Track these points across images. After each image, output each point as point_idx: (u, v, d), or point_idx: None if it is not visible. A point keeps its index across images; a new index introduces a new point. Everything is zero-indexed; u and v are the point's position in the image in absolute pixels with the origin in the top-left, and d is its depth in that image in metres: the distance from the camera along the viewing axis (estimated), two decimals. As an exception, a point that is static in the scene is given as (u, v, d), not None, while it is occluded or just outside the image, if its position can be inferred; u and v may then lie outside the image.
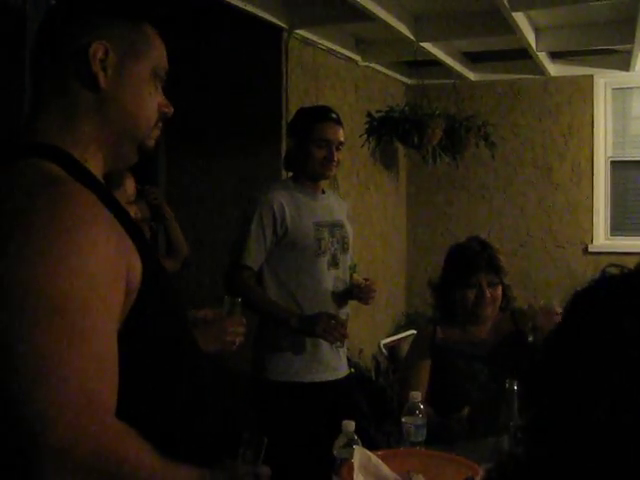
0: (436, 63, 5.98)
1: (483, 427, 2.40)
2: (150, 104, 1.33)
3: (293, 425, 2.94)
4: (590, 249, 6.54)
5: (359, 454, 1.75)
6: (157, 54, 1.34)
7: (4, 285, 1.04)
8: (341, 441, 1.96)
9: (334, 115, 3.20)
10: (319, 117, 3.17)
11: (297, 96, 4.94)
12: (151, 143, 1.37)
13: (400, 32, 4.84)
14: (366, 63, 5.92)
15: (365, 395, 4.44)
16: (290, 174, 3.28)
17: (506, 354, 2.76)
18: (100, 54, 1.24)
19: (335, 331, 2.87)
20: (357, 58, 5.80)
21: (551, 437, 0.94)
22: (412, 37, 5.01)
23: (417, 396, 2.25)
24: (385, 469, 1.80)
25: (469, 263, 2.89)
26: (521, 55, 6.01)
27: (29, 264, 1.05)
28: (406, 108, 5.62)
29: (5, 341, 1.02)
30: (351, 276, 3.18)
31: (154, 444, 1.12)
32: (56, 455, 1.01)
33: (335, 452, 1.93)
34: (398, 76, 6.68)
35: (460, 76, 6.50)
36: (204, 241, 4.80)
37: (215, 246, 4.67)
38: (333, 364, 3.10)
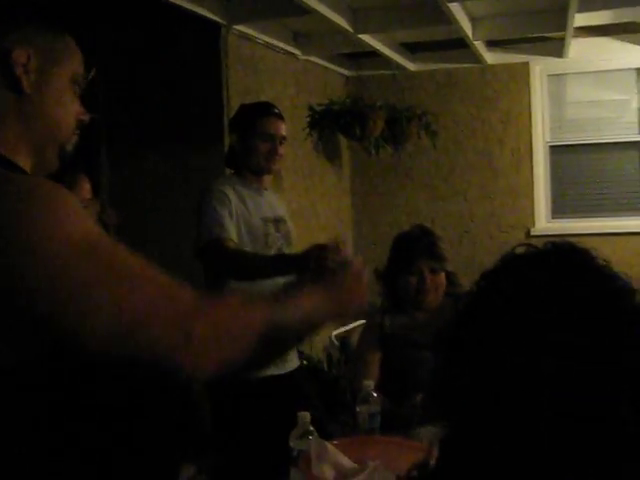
0: (375, 54, 6.02)
1: (435, 413, 2.44)
2: (70, 109, 1.38)
3: (249, 421, 2.95)
4: (532, 233, 6.66)
5: (316, 444, 1.78)
6: (75, 62, 1.39)
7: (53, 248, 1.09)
8: (297, 432, 1.98)
9: (276, 110, 3.26)
10: (262, 112, 3.22)
11: (238, 92, 4.93)
12: (70, 148, 1.41)
13: (338, 25, 4.86)
14: (306, 57, 5.94)
15: (318, 386, 4.47)
16: (231, 172, 3.30)
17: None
18: (23, 59, 1.29)
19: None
20: (296, 52, 5.82)
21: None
22: (350, 29, 5.04)
23: (370, 384, 2.29)
24: (342, 458, 1.83)
25: (409, 250, 2.96)
26: (458, 44, 6.09)
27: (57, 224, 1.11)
28: (347, 100, 5.67)
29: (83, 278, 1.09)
30: None
31: None
32: (195, 359, 1.11)
33: (292, 444, 1.96)
34: (338, 68, 6.70)
35: (399, 67, 6.55)
36: (153, 240, 4.77)
37: (165, 246, 4.65)
38: (286, 357, 3.11)
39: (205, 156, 4.73)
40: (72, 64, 1.38)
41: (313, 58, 6.11)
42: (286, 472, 1.90)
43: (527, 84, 6.68)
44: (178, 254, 3.28)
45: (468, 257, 6.51)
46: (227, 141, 4.73)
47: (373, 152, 6.02)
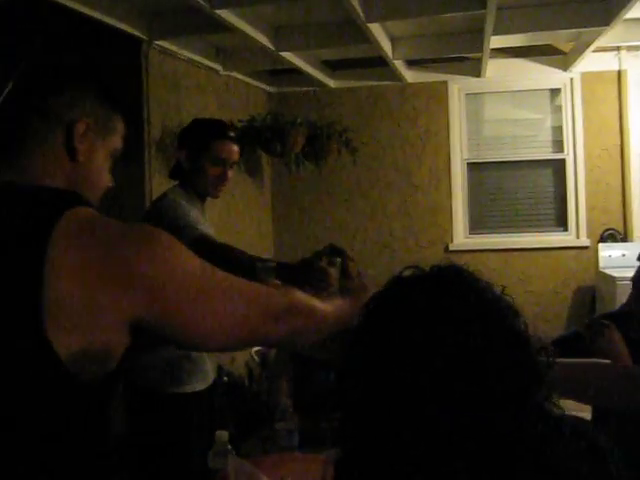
0: (297, 71, 6.07)
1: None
2: (105, 177, 1.56)
3: (166, 438, 2.90)
4: (450, 248, 6.81)
5: (234, 463, 1.79)
6: (119, 138, 1.56)
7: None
8: (215, 451, 1.99)
9: (232, 133, 3.14)
10: (218, 134, 3.08)
11: (159, 108, 4.91)
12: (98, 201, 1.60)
13: (260, 42, 4.90)
14: (227, 72, 5.95)
15: (239, 402, 4.47)
16: (176, 183, 3.15)
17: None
18: (82, 130, 1.44)
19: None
20: (218, 68, 5.82)
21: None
22: (272, 47, 5.08)
23: (287, 402, 2.31)
24: (261, 477, 1.84)
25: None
26: (378, 63, 6.19)
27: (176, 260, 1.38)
28: (268, 117, 5.69)
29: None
30: None
31: None
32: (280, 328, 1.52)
33: (210, 464, 1.97)
34: (260, 84, 6.74)
35: (320, 84, 6.62)
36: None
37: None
38: (207, 371, 3.07)
39: (124, 175, 4.68)
40: (116, 140, 1.55)
41: (235, 74, 6.12)
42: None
43: (446, 102, 6.84)
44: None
45: (388, 271, 6.52)
46: (147, 158, 4.72)
47: (294, 168, 6.06)
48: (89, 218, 1.33)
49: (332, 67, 6.69)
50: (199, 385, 2.99)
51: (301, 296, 1.63)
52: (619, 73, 6.56)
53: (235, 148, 3.11)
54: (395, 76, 6.50)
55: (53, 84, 1.48)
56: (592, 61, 6.31)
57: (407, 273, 1.08)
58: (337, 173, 6.93)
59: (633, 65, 6.50)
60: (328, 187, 7.01)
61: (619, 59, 6.50)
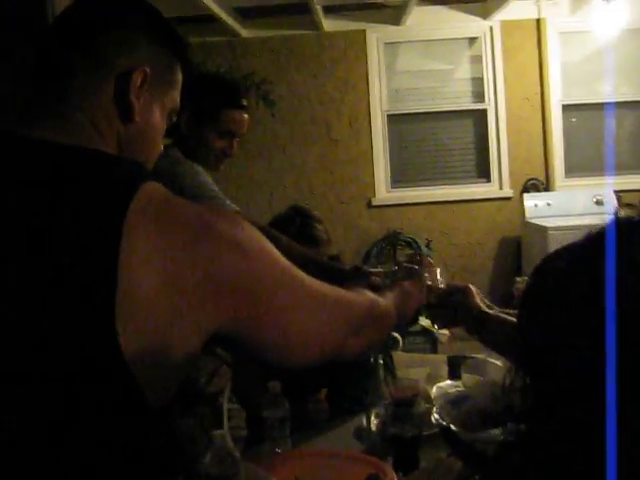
0: (206, 20, 5.70)
1: (346, 407, 2.23)
2: (160, 141, 1.23)
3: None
4: (373, 203, 6.61)
5: (247, 471, 1.51)
6: (177, 94, 1.22)
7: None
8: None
9: (244, 101, 2.69)
10: (229, 102, 2.62)
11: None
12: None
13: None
14: (137, 20, 5.51)
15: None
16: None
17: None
18: (139, 81, 1.11)
19: None
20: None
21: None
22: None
23: (276, 386, 2.03)
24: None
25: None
26: (295, 10, 5.89)
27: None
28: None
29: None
30: None
31: None
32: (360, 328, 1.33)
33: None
34: (170, 34, 6.31)
35: (233, 33, 6.26)
36: None
37: None
38: None
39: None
40: (175, 97, 1.21)
41: (143, 22, 5.68)
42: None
43: (364, 52, 6.58)
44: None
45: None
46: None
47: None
48: (165, 197, 1.02)
49: (243, 15, 6.32)
50: None
51: (374, 299, 1.42)
52: (538, 21, 6.47)
53: (245, 118, 2.67)
54: (312, 24, 6.21)
55: (104, 18, 1.13)
56: (511, 9, 6.19)
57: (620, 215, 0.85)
58: (252, 127, 6.54)
59: (552, 13, 6.41)
60: (243, 142, 6.60)
61: (538, 7, 6.39)
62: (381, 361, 2.06)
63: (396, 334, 4.36)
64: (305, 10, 5.71)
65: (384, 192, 6.65)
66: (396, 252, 6.43)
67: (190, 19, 5.96)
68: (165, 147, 2.55)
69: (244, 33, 6.47)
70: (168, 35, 1.19)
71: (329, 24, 6.39)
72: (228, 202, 2.45)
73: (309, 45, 6.61)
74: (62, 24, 1.15)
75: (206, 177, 2.50)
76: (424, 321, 5.38)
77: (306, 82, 6.63)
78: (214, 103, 2.57)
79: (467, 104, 6.63)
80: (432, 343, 5.21)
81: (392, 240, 6.43)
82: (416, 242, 6.32)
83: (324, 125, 6.65)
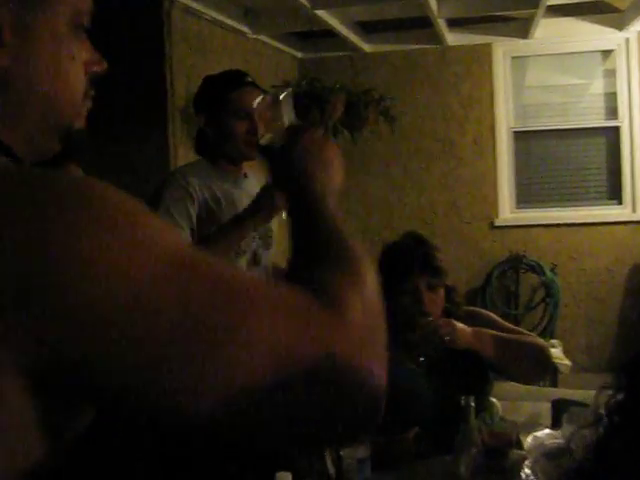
0: (329, 35, 5.61)
1: (432, 448, 2.04)
2: (74, 71, 0.87)
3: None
4: (496, 223, 6.33)
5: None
6: None
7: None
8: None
9: (250, 78, 2.74)
10: (234, 83, 2.69)
11: (182, 72, 4.46)
12: (81, 123, 0.91)
13: (294, -1, 4.43)
14: (256, 35, 5.48)
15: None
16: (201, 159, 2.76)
17: (453, 367, 2.38)
18: None
19: None
20: (246, 30, 5.35)
21: None
22: (306, 3, 4.59)
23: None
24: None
25: (401, 264, 2.47)
26: (417, 24, 5.72)
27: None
28: (303, 82, 5.23)
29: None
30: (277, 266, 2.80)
31: None
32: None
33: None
34: (289, 49, 6.26)
35: (354, 48, 6.15)
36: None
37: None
38: None
39: (147, 145, 4.25)
40: (68, 3, 0.85)
41: (263, 38, 5.65)
42: None
43: (490, 67, 6.33)
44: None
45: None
46: (171, 128, 4.28)
47: (331, 138, 5.60)
48: None
49: (366, 29, 6.19)
50: None
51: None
52: (679, 33, 6.04)
53: (258, 94, 2.61)
54: (435, 38, 6.01)
55: None
56: (650, 20, 5.79)
57: None
58: (373, 144, 6.44)
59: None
60: (364, 159, 6.51)
61: (680, 17, 5.96)
62: (472, 403, 1.86)
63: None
64: (428, 24, 5.53)
65: (508, 212, 6.36)
66: (519, 276, 6.13)
67: (309, 34, 5.89)
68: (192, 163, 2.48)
69: (366, 48, 6.34)
70: None
71: (453, 38, 6.18)
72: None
73: (432, 60, 6.41)
74: None
75: (185, 209, 2.50)
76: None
77: (429, 98, 6.44)
78: (220, 91, 2.65)
79: (599, 121, 6.25)
80: (552, 373, 4.90)
81: (515, 263, 6.13)
82: (540, 266, 5.99)
83: (447, 142, 6.43)
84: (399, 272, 2.41)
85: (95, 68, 0.91)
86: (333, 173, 1.09)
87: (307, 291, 0.78)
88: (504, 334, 2.40)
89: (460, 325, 2.32)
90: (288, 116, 1.14)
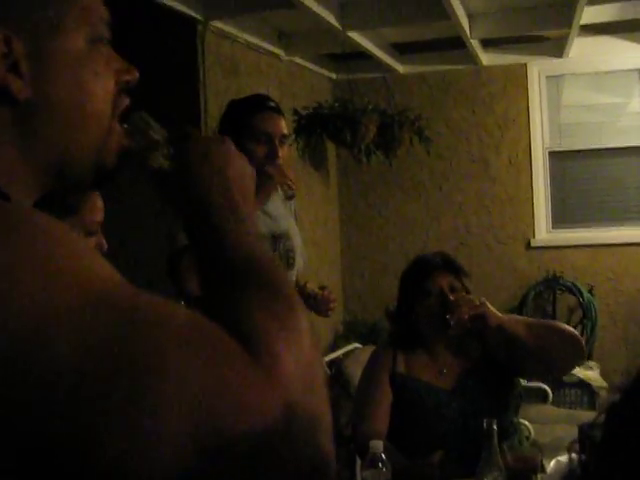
0: (362, 56, 5.63)
1: (457, 471, 2.02)
2: (100, 86, 0.82)
3: None
4: (532, 244, 6.27)
5: None
6: (86, 12, 0.82)
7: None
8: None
9: (272, 103, 2.76)
10: (255, 108, 2.72)
11: (216, 95, 4.51)
12: (112, 155, 0.87)
13: (325, 21, 4.43)
14: (289, 57, 5.52)
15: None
16: None
17: (480, 386, 2.36)
18: (0, 48, 0.74)
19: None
20: (280, 52, 5.40)
21: None
22: (338, 26, 4.62)
23: (378, 446, 1.85)
24: None
25: (423, 267, 2.53)
26: (451, 45, 5.72)
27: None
28: (336, 104, 5.25)
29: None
30: (304, 286, 2.79)
31: None
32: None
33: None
34: (323, 71, 6.29)
35: (389, 69, 6.16)
36: (135, 258, 4.32)
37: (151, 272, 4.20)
38: None
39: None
40: (82, 19, 0.81)
41: (297, 59, 5.69)
42: None
43: (525, 86, 6.30)
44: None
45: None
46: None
47: (364, 160, 5.61)
48: None
49: (400, 51, 6.21)
50: None
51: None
52: None
53: (279, 119, 2.70)
54: (470, 58, 5.99)
55: None
56: (688, 37, 5.73)
57: None
58: (408, 165, 6.44)
59: None
60: (399, 180, 6.51)
61: None
62: (495, 427, 1.84)
63: (545, 386, 4.06)
64: (463, 44, 5.52)
65: (544, 233, 6.30)
66: (555, 297, 6.06)
67: (343, 55, 5.91)
68: None
69: (401, 69, 6.35)
70: None
71: (488, 58, 6.17)
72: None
73: (467, 80, 6.40)
74: None
75: None
76: (582, 372, 5.02)
77: (464, 118, 6.42)
78: (242, 115, 2.68)
79: (637, 140, 6.18)
80: (589, 396, 4.82)
81: (551, 284, 6.06)
82: (577, 287, 5.92)
83: (482, 162, 6.40)
84: (421, 274, 2.46)
85: (126, 77, 0.88)
86: (237, 180, 0.93)
87: (230, 339, 0.66)
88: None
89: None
90: (158, 132, 1.04)
